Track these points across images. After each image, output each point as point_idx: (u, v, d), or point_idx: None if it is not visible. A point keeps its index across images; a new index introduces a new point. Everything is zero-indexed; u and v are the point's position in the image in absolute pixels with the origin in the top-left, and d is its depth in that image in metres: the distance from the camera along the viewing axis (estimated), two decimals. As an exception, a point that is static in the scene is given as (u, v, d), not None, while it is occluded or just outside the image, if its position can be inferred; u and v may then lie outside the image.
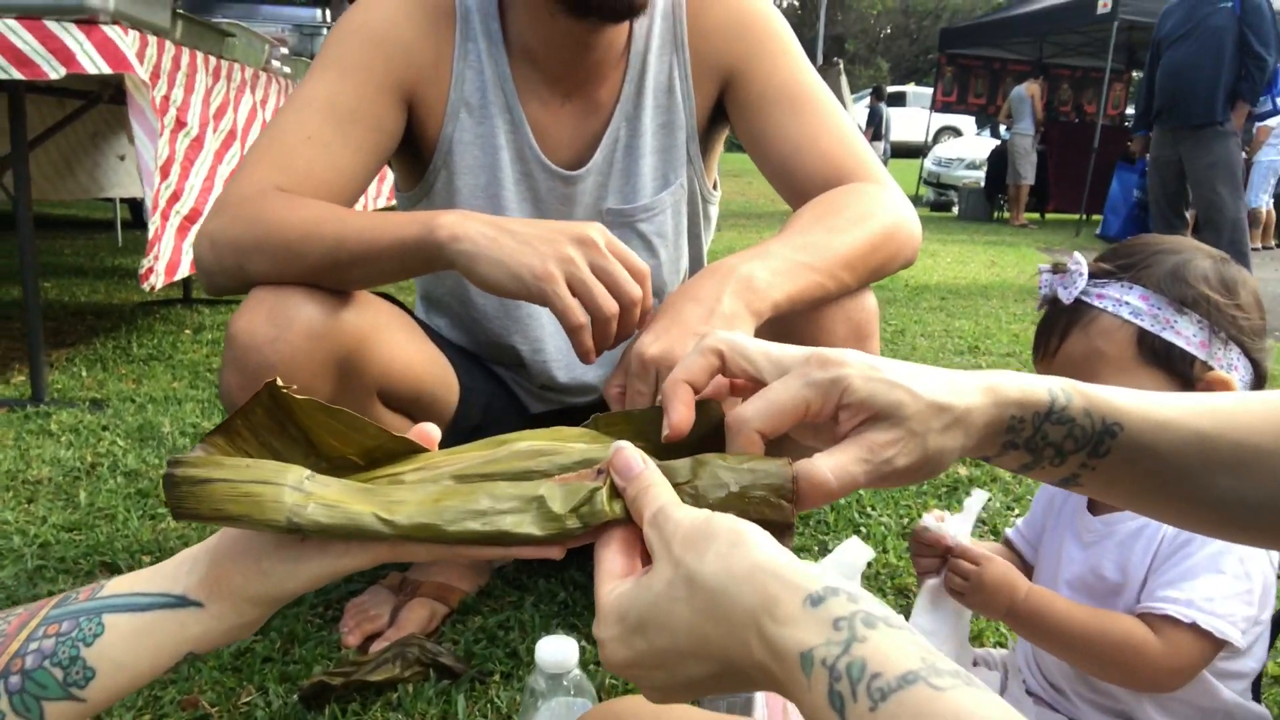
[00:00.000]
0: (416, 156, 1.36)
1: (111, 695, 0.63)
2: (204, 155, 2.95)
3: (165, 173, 2.69)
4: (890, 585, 1.66)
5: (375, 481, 0.66)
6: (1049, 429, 0.62)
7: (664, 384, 0.65)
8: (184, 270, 2.79)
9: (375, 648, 1.38)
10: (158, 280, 2.68)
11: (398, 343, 1.25)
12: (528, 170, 1.36)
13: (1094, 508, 1.09)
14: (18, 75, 2.20)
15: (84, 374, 3.02)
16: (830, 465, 0.59)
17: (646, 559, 0.58)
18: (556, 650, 0.92)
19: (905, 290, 5.22)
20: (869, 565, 1.56)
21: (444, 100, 1.31)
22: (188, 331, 3.71)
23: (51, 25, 2.20)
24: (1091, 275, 1.01)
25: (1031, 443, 0.62)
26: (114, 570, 1.67)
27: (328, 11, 8.30)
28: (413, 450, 0.69)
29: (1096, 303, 1.00)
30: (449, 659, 1.31)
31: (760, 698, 0.99)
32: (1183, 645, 0.94)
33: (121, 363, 3.19)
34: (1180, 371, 0.97)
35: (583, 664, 1.05)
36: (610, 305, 0.97)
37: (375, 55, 1.24)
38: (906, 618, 1.50)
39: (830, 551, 1.68)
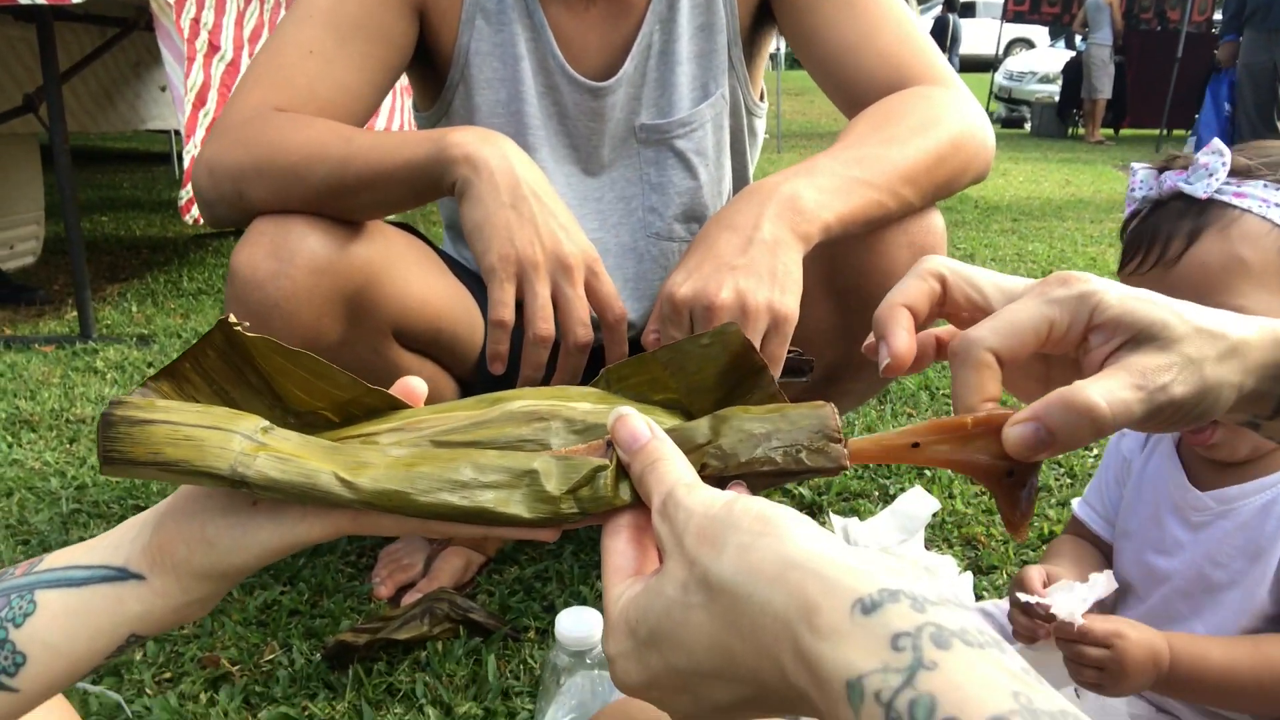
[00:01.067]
0: (433, 71, 1.25)
1: (47, 684, 0.55)
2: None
3: (202, 100, 2.61)
4: (957, 535, 1.54)
5: (345, 441, 0.56)
6: None
7: (877, 310, 0.56)
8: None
9: (408, 599, 1.31)
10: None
11: (413, 277, 1.15)
12: (552, 83, 1.23)
13: (1199, 481, 0.92)
14: (41, 0, 2.13)
15: (134, 309, 3.01)
16: (1100, 391, 0.47)
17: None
18: (578, 624, 0.83)
19: (974, 211, 4.99)
20: (933, 516, 1.43)
21: (458, 6, 1.18)
22: (237, 265, 3.68)
23: (71, -54, 2.11)
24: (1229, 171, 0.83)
25: None
26: (147, 514, 1.63)
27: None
28: (394, 406, 0.59)
29: (1236, 201, 0.82)
30: (480, 615, 1.23)
31: None
32: None
33: (171, 297, 3.18)
34: None
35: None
36: (544, 329, 0.89)
37: None
38: (977, 573, 1.38)
39: (892, 498, 1.57)
